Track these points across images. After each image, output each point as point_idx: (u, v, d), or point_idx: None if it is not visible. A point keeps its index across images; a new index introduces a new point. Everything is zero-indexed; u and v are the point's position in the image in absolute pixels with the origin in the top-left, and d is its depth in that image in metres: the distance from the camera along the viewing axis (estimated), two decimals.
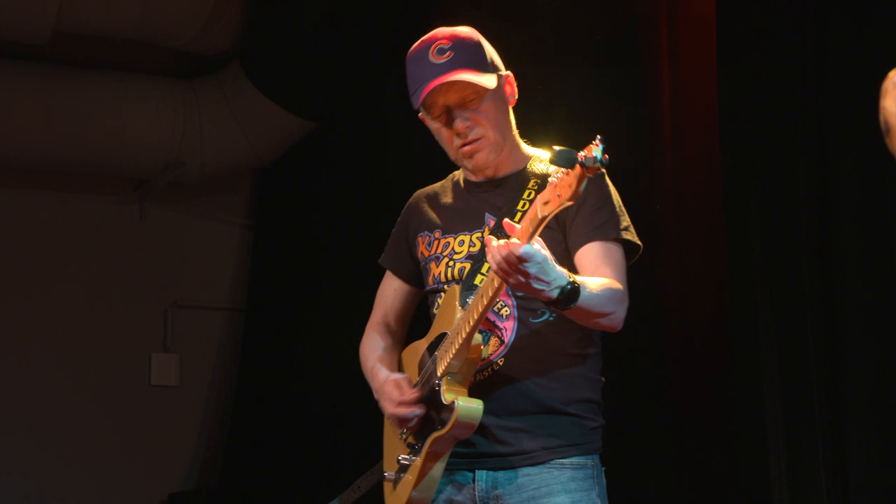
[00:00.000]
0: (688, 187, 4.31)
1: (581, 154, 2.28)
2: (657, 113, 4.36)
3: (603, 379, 2.88)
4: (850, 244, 3.61)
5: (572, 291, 2.50)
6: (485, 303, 2.59)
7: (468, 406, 2.68)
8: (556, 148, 2.33)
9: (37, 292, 6.41)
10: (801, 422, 3.66)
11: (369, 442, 3.38)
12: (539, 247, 2.45)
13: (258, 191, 6.83)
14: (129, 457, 6.41)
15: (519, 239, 2.43)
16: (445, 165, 3.01)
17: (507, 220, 2.54)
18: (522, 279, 2.45)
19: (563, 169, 2.32)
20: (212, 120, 6.20)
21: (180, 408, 6.60)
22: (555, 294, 2.49)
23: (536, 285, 2.47)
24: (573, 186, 2.31)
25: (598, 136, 2.30)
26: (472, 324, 2.63)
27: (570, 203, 2.34)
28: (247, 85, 6.06)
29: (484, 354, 2.74)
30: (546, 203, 2.38)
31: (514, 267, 2.43)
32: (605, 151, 2.27)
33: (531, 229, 2.43)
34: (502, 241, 2.45)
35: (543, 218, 2.40)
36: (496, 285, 2.54)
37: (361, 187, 5.78)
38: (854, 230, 3.61)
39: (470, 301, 2.70)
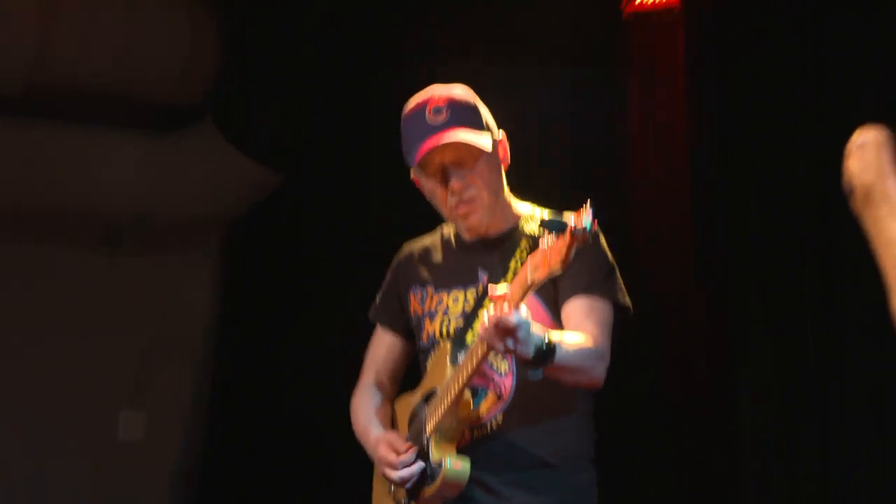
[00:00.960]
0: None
1: (572, 222, 2.28)
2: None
3: (596, 434, 2.87)
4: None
5: (548, 351, 2.48)
6: (474, 364, 2.58)
7: (454, 469, 2.68)
8: (547, 217, 2.38)
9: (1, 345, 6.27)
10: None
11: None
12: (526, 312, 2.45)
13: (231, 242, 6.71)
14: None
15: (508, 304, 2.42)
16: (422, 213, 2.96)
17: (491, 284, 2.52)
18: (510, 344, 2.44)
19: (553, 234, 2.33)
20: (184, 172, 6.13)
21: (149, 464, 6.47)
22: (531, 354, 2.47)
23: (519, 348, 2.45)
24: (562, 253, 2.31)
25: (589, 201, 2.30)
26: (461, 383, 2.62)
27: (559, 271, 2.34)
28: (218, 138, 6.01)
29: (483, 411, 2.74)
30: (536, 269, 2.38)
31: (504, 335, 2.42)
32: (595, 216, 2.27)
33: (520, 295, 2.43)
34: (491, 312, 2.43)
35: (532, 283, 2.40)
36: (484, 349, 2.52)
37: (337, 236, 5.71)
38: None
39: (461, 358, 2.70)
